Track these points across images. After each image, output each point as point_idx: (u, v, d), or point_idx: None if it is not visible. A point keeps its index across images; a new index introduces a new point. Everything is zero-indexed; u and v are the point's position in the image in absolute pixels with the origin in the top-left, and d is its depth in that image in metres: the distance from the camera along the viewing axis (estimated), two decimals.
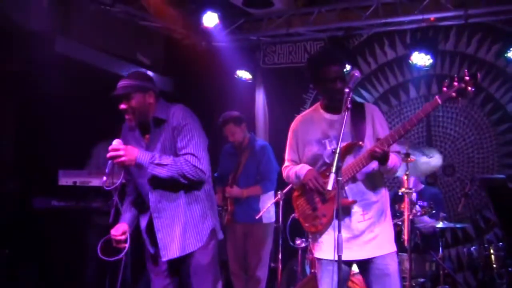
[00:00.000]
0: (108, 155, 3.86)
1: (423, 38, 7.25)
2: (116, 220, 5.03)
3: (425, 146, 7.38)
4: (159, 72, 8.41)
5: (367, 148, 3.77)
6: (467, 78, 3.46)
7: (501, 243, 6.09)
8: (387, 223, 3.95)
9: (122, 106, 4.00)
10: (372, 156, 3.67)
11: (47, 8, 6.56)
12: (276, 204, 6.32)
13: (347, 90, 3.56)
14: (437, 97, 3.55)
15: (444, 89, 3.53)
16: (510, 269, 5.92)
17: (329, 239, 3.75)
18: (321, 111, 4.04)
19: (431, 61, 7.16)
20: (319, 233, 3.94)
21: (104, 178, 3.86)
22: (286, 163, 4.20)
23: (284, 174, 4.19)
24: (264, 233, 6.46)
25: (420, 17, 7.29)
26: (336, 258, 3.39)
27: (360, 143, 3.79)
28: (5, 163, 6.36)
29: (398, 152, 4.01)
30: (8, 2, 6.24)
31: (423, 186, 6.75)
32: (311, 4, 8.05)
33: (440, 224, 5.93)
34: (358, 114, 3.91)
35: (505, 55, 6.90)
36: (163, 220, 3.98)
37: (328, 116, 3.99)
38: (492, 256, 6.00)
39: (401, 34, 7.92)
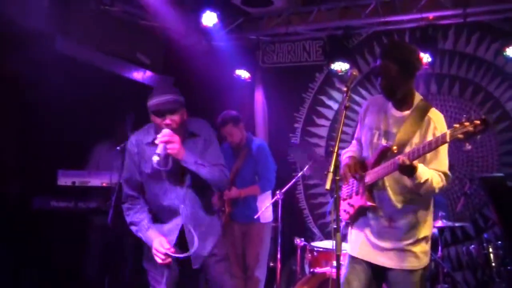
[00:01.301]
0: (163, 139, 3.92)
1: (422, 37, 7.24)
2: (114, 220, 5.06)
3: None
4: (158, 72, 8.40)
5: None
6: (478, 121, 3.25)
7: (500, 242, 6.11)
8: (419, 242, 3.81)
9: (167, 122, 4.02)
10: (397, 166, 3.56)
11: (47, 8, 6.56)
12: (275, 203, 6.33)
13: (345, 89, 3.55)
14: (447, 132, 3.37)
15: (456, 125, 3.34)
16: (509, 267, 5.94)
17: (359, 236, 3.84)
18: (389, 102, 3.94)
19: (430, 59, 7.15)
20: (346, 220, 3.99)
21: (157, 158, 3.87)
22: (353, 141, 4.25)
23: (344, 151, 4.24)
24: (262, 232, 6.47)
25: (419, 15, 7.28)
26: (361, 256, 3.60)
27: (394, 148, 3.70)
28: (5, 163, 6.36)
29: (443, 173, 3.72)
30: (8, 2, 6.24)
31: None
32: (310, 3, 8.04)
33: (439, 223, 5.93)
34: (416, 117, 3.79)
35: (504, 53, 6.89)
36: (196, 229, 4.15)
37: (392, 109, 3.91)
38: (491, 255, 6.03)
39: (400, 33, 7.91)
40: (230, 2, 7.69)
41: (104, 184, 6.17)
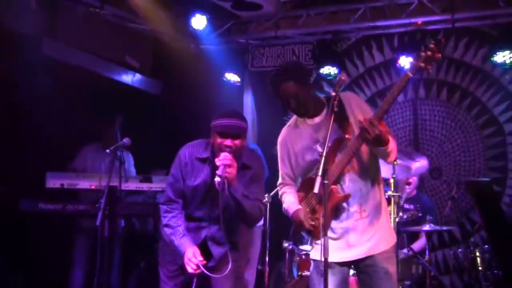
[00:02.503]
0: (225, 162, 3.98)
1: (411, 42, 7.29)
2: (103, 223, 5.04)
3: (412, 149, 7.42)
4: (147, 75, 8.41)
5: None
6: (431, 45, 3.39)
7: (486, 246, 6.14)
8: (384, 217, 3.88)
9: (228, 143, 4.07)
10: (362, 136, 3.54)
11: (35, 11, 6.54)
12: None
13: (333, 94, 3.54)
14: (407, 71, 3.49)
15: (413, 61, 3.50)
16: (495, 271, 5.97)
17: (331, 242, 3.67)
18: (302, 120, 3.97)
19: None
20: (316, 235, 3.85)
21: (218, 179, 3.95)
22: (280, 179, 4.16)
23: (279, 193, 4.19)
24: (253, 235, 6.48)
25: (407, 21, 7.33)
26: (333, 260, 3.47)
27: (347, 136, 3.70)
28: None
29: (388, 132, 3.76)
30: None
31: (416, 192, 6.80)
32: (300, 7, 8.07)
33: (426, 227, 5.96)
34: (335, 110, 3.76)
35: (492, 59, 6.93)
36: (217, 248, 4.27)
37: (310, 121, 3.91)
38: (478, 259, 6.06)
39: (388, 37, 7.97)
40: (219, 5, 7.70)
41: (93, 187, 6.15)
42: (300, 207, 3.95)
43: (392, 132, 7.00)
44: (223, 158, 3.99)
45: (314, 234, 3.88)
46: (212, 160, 4.12)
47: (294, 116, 4.10)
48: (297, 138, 3.97)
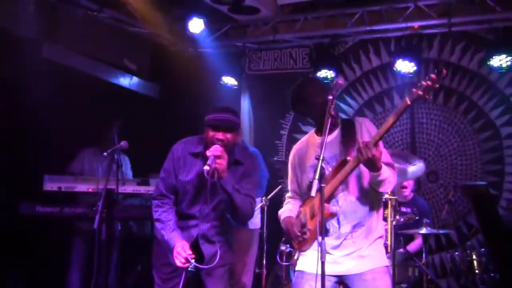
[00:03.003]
0: (215, 153, 4.03)
1: (407, 46, 7.32)
2: (100, 226, 5.05)
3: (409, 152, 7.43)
4: (145, 78, 8.42)
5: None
6: (432, 76, 3.46)
7: (483, 249, 6.16)
8: (376, 245, 3.84)
9: (220, 136, 4.14)
10: (359, 157, 3.53)
11: (34, 14, 6.56)
12: (261, 210, 6.35)
13: (330, 97, 3.55)
14: (406, 98, 3.54)
15: (414, 89, 3.52)
16: (492, 274, 5.99)
17: (313, 253, 3.68)
18: (315, 137, 3.97)
19: (415, 68, 7.22)
20: (304, 246, 3.87)
21: (207, 167, 3.99)
22: (288, 194, 4.24)
23: (284, 206, 4.23)
24: (250, 239, 6.48)
25: (404, 25, 7.36)
26: (319, 271, 3.39)
27: (348, 158, 3.68)
28: None
29: (392, 166, 3.80)
30: None
31: (412, 195, 6.81)
32: (297, 11, 8.09)
33: (423, 230, 5.98)
34: (348, 131, 3.85)
35: (488, 63, 6.96)
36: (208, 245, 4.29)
37: (320, 140, 3.82)
38: (475, 262, 6.08)
39: (385, 41, 7.99)
40: (217, 9, 7.71)
41: (90, 190, 6.16)
42: (292, 215, 3.99)
43: (389, 135, 7.09)
44: (213, 149, 4.05)
45: (299, 245, 3.89)
46: (205, 154, 4.14)
47: (307, 135, 4.13)
48: (304, 157, 3.98)
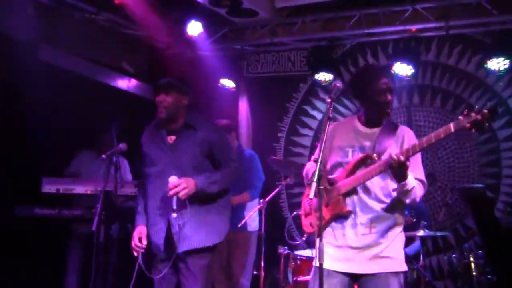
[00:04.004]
0: (172, 192, 4.07)
1: (405, 49, 7.34)
2: (99, 228, 5.06)
3: None
4: (143, 80, 8.43)
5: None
6: (485, 111, 3.29)
7: (480, 251, 6.17)
8: (397, 242, 3.82)
9: (159, 99, 4.29)
10: (389, 165, 3.54)
11: (32, 17, 6.56)
12: (259, 212, 6.36)
13: (328, 100, 3.56)
14: (451, 124, 3.43)
15: (460, 117, 3.39)
16: (489, 276, 6.00)
17: (329, 249, 3.70)
18: (357, 122, 3.96)
19: (412, 71, 7.24)
20: (313, 235, 3.94)
21: (174, 214, 4.09)
22: (310, 162, 4.19)
23: (304, 172, 4.19)
24: (249, 241, 6.49)
25: (402, 28, 7.39)
26: (332, 268, 3.45)
27: (374, 155, 3.71)
28: None
29: (422, 182, 3.79)
30: None
31: None
32: (295, 14, 8.10)
33: (421, 233, 5.99)
34: (388, 131, 3.85)
35: (485, 66, 6.99)
36: (188, 222, 4.24)
37: (361, 128, 3.92)
38: (472, 264, 6.08)
39: (383, 44, 8.01)
40: (215, 12, 7.73)
41: (88, 192, 6.15)
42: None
43: None
44: (169, 190, 4.08)
45: (313, 228, 3.93)
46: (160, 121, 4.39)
47: (349, 118, 4.16)
48: (339, 136, 3.96)
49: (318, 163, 3.38)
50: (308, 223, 4.00)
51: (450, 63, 7.71)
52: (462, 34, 7.49)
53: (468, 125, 3.34)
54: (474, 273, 6.06)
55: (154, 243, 4.29)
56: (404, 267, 3.82)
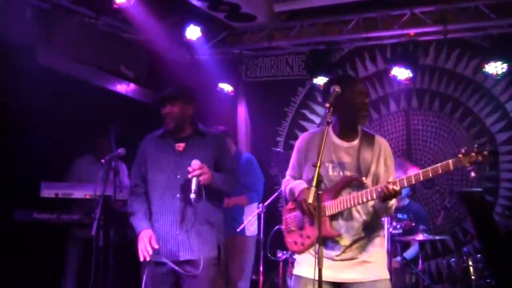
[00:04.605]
0: (196, 172, 4.11)
1: (403, 53, 7.35)
2: (98, 232, 5.06)
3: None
4: (141, 85, 8.42)
5: (368, 185, 3.69)
6: (486, 153, 3.33)
7: (479, 255, 6.17)
8: (378, 252, 3.83)
9: (166, 110, 4.33)
10: (382, 194, 3.53)
11: (30, 21, 6.57)
12: (258, 216, 6.36)
13: (327, 105, 3.56)
14: (450, 162, 3.42)
15: (460, 156, 3.39)
16: (488, 280, 6.00)
17: (310, 258, 3.71)
18: (332, 134, 3.89)
19: (410, 75, 7.26)
20: (298, 252, 3.90)
21: (193, 195, 4.08)
22: (287, 177, 4.11)
23: (282, 187, 4.13)
24: (247, 245, 6.50)
25: (400, 32, 7.40)
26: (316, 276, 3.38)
27: (364, 180, 3.69)
28: None
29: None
30: None
31: (408, 201, 6.82)
32: (293, 18, 8.12)
33: (420, 237, 5.99)
34: (367, 145, 3.81)
35: (483, 70, 7.00)
36: (189, 227, 4.27)
37: (338, 141, 3.85)
38: (471, 268, 6.09)
39: (381, 48, 8.02)
40: (213, 16, 7.74)
41: (87, 196, 6.15)
42: (306, 186, 3.84)
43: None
44: (193, 169, 4.12)
45: (295, 247, 3.90)
46: (168, 132, 4.42)
47: (322, 128, 4.04)
48: (314, 149, 3.86)
49: (317, 168, 3.37)
50: (292, 241, 3.93)
51: (448, 67, 7.71)
52: (460, 38, 7.50)
53: (468, 164, 3.36)
54: (473, 277, 6.06)
55: (157, 247, 4.30)
56: (387, 275, 3.83)
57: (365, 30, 7.67)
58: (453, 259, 6.36)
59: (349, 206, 3.68)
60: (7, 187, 6.28)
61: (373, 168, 3.77)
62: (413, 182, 3.52)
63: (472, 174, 3.43)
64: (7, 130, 6.39)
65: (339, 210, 3.70)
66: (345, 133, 3.87)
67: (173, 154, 4.36)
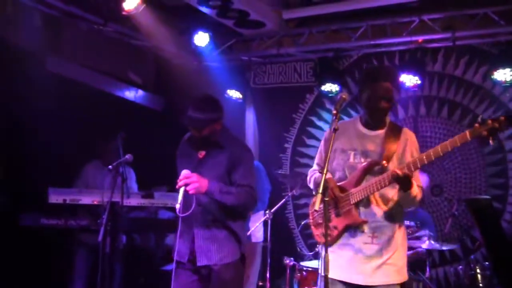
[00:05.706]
0: (181, 183, 4.04)
1: (411, 60, 7.35)
2: (105, 238, 5.07)
3: None
4: (149, 91, 8.46)
5: (390, 169, 3.70)
6: (502, 118, 3.31)
7: (487, 263, 6.14)
8: (399, 253, 3.82)
9: (196, 134, 4.27)
10: (392, 177, 3.57)
11: (39, 28, 6.62)
12: (265, 223, 6.36)
13: (334, 112, 3.57)
14: (467, 131, 3.42)
15: (476, 125, 3.38)
16: None
17: (336, 258, 3.70)
18: (359, 124, 3.99)
19: (419, 82, 7.25)
20: (322, 244, 3.88)
21: (178, 206, 3.99)
22: (314, 167, 4.23)
23: (308, 177, 4.21)
24: (253, 252, 6.50)
25: (408, 39, 7.40)
26: (335, 277, 3.46)
27: (384, 162, 3.72)
28: None
29: (421, 188, 3.82)
30: (0, 21, 6.29)
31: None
32: (302, 25, 8.14)
33: (426, 243, 5.97)
34: (393, 135, 3.85)
35: (492, 77, 6.98)
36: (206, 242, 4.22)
37: (364, 130, 3.94)
38: (479, 276, 6.06)
39: (389, 55, 8.01)
40: (222, 23, 7.76)
41: (95, 202, 6.17)
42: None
43: None
44: (179, 180, 4.07)
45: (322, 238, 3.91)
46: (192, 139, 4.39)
47: (351, 119, 4.20)
48: (340, 138, 3.93)
49: (324, 175, 3.37)
50: (320, 233, 3.99)
51: (457, 74, 7.70)
52: (468, 45, 7.49)
53: (485, 132, 3.35)
54: (480, 285, 6.04)
55: (180, 252, 4.29)
56: (404, 277, 3.84)
57: (373, 37, 7.67)
58: (460, 267, 6.34)
59: (374, 191, 3.72)
60: (15, 192, 6.31)
61: (398, 155, 3.79)
62: (425, 162, 3.56)
63: (491, 142, 3.38)
64: (16, 136, 6.43)
65: (364, 196, 3.74)
66: (372, 123, 3.94)
67: (194, 160, 4.34)
